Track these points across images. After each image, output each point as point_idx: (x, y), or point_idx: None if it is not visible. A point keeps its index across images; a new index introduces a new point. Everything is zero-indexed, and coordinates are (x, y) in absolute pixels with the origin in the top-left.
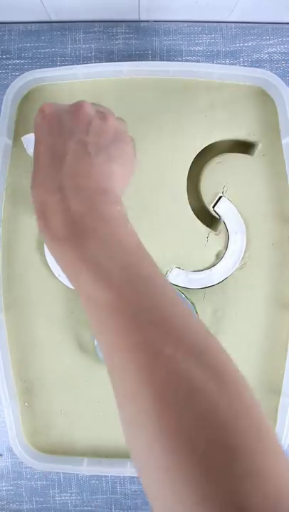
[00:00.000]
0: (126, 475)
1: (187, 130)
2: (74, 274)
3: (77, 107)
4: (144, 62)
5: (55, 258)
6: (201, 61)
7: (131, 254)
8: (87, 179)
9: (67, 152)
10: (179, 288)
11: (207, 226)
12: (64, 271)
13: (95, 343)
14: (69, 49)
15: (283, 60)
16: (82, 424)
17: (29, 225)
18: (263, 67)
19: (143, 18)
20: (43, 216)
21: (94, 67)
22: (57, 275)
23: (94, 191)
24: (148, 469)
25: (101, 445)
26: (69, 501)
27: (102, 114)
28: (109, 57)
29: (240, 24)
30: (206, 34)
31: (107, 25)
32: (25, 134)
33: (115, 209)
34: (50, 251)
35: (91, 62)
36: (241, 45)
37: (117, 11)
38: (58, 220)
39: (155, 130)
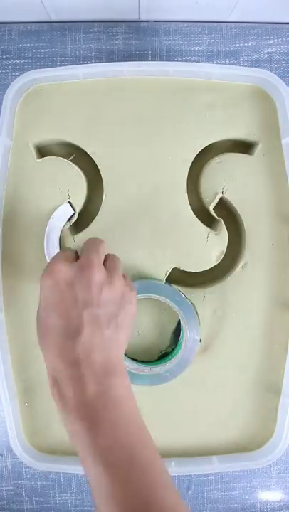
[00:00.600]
0: None
1: (187, 130)
2: (82, 452)
3: (87, 272)
4: (144, 62)
5: (64, 425)
6: (201, 61)
7: (134, 436)
8: (100, 353)
9: (83, 325)
10: (179, 288)
11: (207, 226)
12: (71, 441)
13: None
14: (69, 49)
15: (283, 60)
16: None
17: (29, 224)
18: (263, 67)
19: (143, 18)
20: (56, 385)
21: (94, 67)
22: None
23: (106, 367)
24: None
25: None
26: (69, 501)
27: (110, 278)
28: (109, 57)
29: (240, 24)
30: (206, 34)
31: (107, 25)
32: (25, 134)
33: (123, 385)
34: (59, 415)
35: (91, 62)
36: (241, 45)
37: (117, 11)
38: (72, 396)
39: (155, 130)
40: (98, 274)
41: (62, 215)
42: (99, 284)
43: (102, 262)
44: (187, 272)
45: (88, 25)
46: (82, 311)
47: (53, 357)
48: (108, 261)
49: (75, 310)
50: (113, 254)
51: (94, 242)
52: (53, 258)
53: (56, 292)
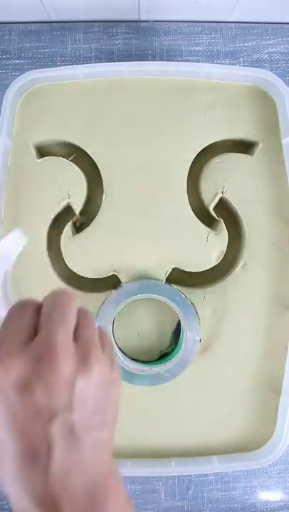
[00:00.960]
0: (126, 475)
1: (187, 130)
2: None
3: (49, 365)
4: (144, 62)
5: None
6: (201, 61)
7: None
8: (81, 476)
9: (52, 443)
10: (179, 288)
11: (207, 226)
12: None
13: None
14: (69, 49)
15: (283, 60)
16: None
17: (29, 225)
18: (263, 67)
19: (143, 18)
20: None
21: (94, 67)
22: (57, 275)
23: (94, 492)
24: None
25: None
26: None
27: (85, 362)
28: (109, 57)
29: (240, 24)
30: (206, 34)
31: (107, 25)
32: (25, 134)
33: (117, 505)
34: None
35: (91, 62)
36: (241, 45)
37: (117, 11)
38: None
39: (155, 130)
40: (66, 364)
41: (11, 247)
42: (69, 379)
43: (70, 338)
44: (187, 271)
45: (88, 25)
46: (48, 424)
47: (17, 494)
48: (79, 329)
49: (37, 424)
50: (85, 312)
51: (57, 303)
52: None
53: (7, 401)
